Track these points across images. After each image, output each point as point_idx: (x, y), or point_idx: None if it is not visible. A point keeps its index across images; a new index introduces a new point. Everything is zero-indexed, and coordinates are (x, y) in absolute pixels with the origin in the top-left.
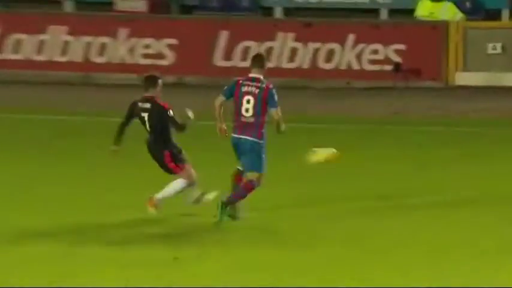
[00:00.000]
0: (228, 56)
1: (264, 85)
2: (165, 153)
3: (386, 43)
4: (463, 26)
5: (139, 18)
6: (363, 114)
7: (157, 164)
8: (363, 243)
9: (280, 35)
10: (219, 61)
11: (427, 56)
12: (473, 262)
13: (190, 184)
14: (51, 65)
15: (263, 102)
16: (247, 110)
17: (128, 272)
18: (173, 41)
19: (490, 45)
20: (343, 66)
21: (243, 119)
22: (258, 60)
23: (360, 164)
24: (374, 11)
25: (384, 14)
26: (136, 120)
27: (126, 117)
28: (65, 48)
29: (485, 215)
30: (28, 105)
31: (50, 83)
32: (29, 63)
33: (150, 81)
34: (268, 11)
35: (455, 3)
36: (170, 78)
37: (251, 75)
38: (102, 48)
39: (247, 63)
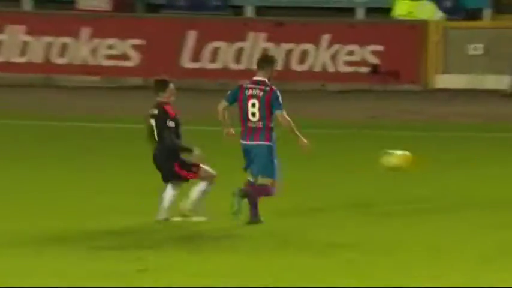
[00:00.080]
0: (196, 57)
1: (268, 88)
2: (175, 164)
3: (362, 44)
4: (443, 26)
5: (103, 17)
6: (338, 118)
7: (163, 175)
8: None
9: (251, 35)
10: (186, 62)
11: (405, 57)
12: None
13: (211, 183)
14: (8, 66)
15: (267, 105)
16: (253, 114)
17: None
18: (138, 42)
19: (471, 46)
20: (317, 68)
21: (250, 124)
22: (263, 63)
23: (338, 171)
24: (350, 10)
25: (360, 13)
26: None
27: (147, 129)
28: (23, 49)
29: (469, 219)
30: None
31: (8, 85)
32: None
33: (160, 85)
34: (238, 10)
35: (435, 2)
36: (135, 81)
37: (255, 78)
38: (64, 48)
39: (216, 65)
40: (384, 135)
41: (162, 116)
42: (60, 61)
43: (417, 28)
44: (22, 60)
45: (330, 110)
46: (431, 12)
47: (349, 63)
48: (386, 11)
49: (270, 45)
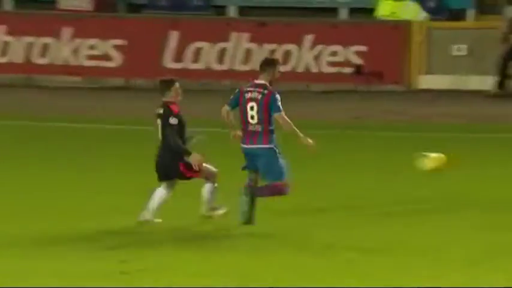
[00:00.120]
0: (178, 58)
1: (266, 91)
2: (180, 164)
3: (346, 44)
4: (426, 26)
5: (84, 17)
6: (321, 119)
7: (164, 173)
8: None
9: (233, 35)
10: (168, 63)
11: (388, 57)
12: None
13: (215, 181)
14: None
15: (265, 108)
16: (252, 117)
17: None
18: (120, 42)
19: (455, 46)
20: (300, 69)
21: (250, 128)
22: (265, 65)
23: (324, 172)
24: (333, 10)
25: (343, 14)
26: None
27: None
28: (4, 49)
29: (458, 221)
30: None
31: None
32: None
33: (165, 84)
34: (221, 9)
35: (419, 2)
36: (117, 81)
37: (256, 81)
38: (45, 49)
39: (198, 65)
40: (368, 135)
41: (166, 113)
42: (41, 61)
43: (400, 28)
44: (3, 60)
45: (314, 110)
46: (414, 13)
47: (333, 64)
48: (370, 11)
49: (252, 46)
